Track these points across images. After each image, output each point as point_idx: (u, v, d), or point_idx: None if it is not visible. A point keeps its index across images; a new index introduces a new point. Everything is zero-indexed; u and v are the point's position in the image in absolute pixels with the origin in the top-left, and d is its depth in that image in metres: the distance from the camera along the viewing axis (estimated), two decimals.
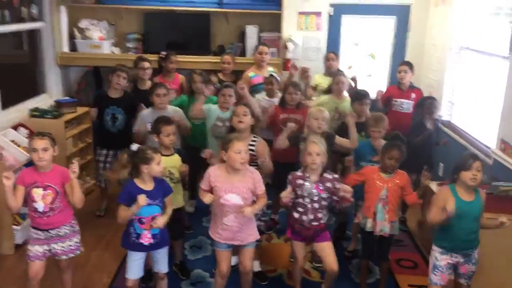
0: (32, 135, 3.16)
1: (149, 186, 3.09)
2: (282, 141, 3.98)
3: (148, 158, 3.02)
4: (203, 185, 3.25)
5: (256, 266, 3.88)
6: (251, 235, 3.30)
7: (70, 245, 3.19)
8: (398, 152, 3.40)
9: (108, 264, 4.00)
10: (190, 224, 4.61)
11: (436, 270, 3.15)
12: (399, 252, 4.33)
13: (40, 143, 2.98)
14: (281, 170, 3.73)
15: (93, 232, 4.48)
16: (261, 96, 4.84)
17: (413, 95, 5.01)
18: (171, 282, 3.75)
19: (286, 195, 3.25)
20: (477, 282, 3.29)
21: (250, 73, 5.26)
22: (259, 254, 3.88)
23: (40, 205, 3.05)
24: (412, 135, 4.48)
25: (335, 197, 3.32)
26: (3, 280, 3.77)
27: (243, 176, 3.18)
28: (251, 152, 3.53)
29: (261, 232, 3.59)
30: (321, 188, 3.28)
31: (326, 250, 3.38)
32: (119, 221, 3.10)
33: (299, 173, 3.34)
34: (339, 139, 3.95)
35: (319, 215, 3.32)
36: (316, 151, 3.23)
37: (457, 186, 3.05)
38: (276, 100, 4.63)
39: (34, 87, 5.53)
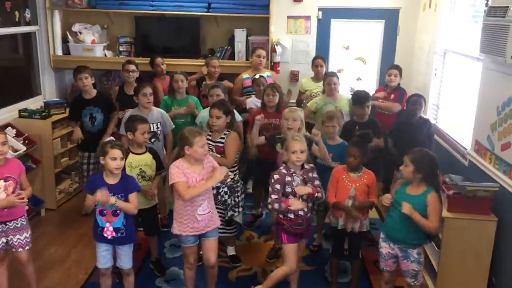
0: None
1: (113, 180, 3.14)
2: (254, 135, 4.10)
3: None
4: (179, 177, 3.14)
5: (231, 251, 4.17)
6: (217, 220, 3.40)
7: (26, 237, 3.25)
8: (357, 150, 3.41)
9: (86, 261, 4.07)
10: None
11: (381, 257, 3.35)
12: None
13: None
14: (263, 167, 4.07)
15: (76, 231, 4.59)
16: (253, 100, 4.86)
17: (392, 96, 5.05)
18: (147, 278, 3.84)
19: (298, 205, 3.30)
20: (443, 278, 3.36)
21: (245, 75, 5.36)
22: (233, 242, 4.18)
23: (2, 196, 3.11)
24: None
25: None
26: None
27: (204, 164, 3.27)
28: (221, 144, 3.78)
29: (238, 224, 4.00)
30: (306, 179, 3.38)
31: (301, 247, 3.54)
32: (85, 209, 3.46)
33: (284, 171, 3.34)
34: (314, 147, 3.92)
35: (310, 204, 3.40)
36: (300, 148, 3.29)
37: None
38: None
39: (29, 89, 5.66)
